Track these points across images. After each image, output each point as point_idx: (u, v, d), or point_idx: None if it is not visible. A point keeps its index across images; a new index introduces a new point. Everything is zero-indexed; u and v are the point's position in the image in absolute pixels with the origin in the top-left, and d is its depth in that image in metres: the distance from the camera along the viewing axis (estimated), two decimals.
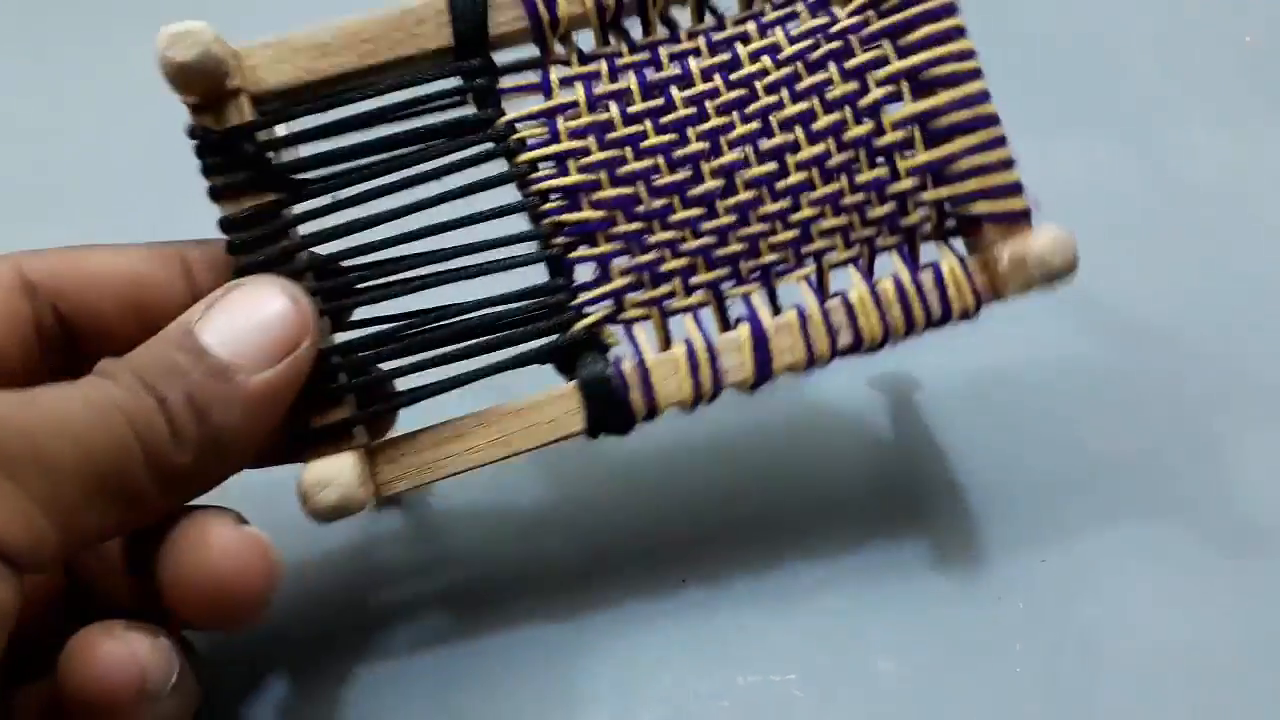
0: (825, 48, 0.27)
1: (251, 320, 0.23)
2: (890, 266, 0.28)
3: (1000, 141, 0.27)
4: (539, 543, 0.32)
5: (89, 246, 0.26)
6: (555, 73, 0.27)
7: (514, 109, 0.27)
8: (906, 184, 0.28)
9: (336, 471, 0.24)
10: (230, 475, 0.24)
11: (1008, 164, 0.27)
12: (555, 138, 0.27)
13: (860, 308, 0.27)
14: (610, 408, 0.26)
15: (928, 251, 0.28)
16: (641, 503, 0.33)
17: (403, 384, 0.27)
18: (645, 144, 0.27)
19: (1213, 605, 0.30)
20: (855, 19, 0.27)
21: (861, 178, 0.27)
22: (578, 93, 0.27)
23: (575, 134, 0.27)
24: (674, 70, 0.27)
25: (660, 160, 0.27)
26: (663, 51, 0.28)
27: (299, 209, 0.26)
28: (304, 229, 0.26)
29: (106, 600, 0.25)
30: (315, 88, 0.26)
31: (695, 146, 0.27)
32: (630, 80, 0.27)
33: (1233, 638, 0.29)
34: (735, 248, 0.27)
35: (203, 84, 0.24)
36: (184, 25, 0.24)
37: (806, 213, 0.27)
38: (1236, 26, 0.53)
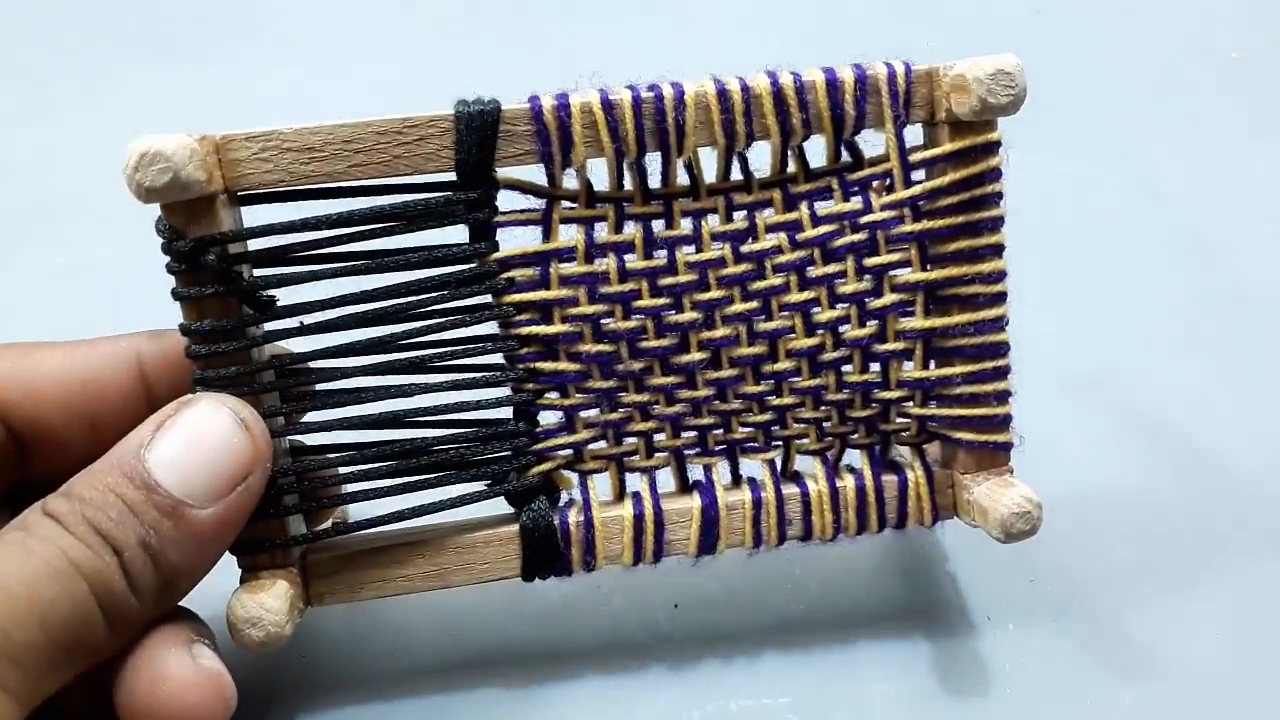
0: (848, 238, 0.26)
1: (202, 449, 0.23)
2: (857, 457, 0.28)
3: (1002, 373, 0.26)
4: None
5: (37, 346, 0.25)
6: (559, 210, 0.25)
7: (509, 235, 0.25)
8: (895, 394, 0.27)
9: (265, 611, 0.24)
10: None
11: (1003, 397, 0.26)
12: (545, 284, 0.25)
13: (816, 504, 0.27)
14: (549, 559, 0.26)
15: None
16: None
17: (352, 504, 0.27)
18: (637, 304, 0.26)
19: (1203, 625, 0.30)
20: (889, 214, 0.25)
21: (851, 378, 0.26)
22: (578, 238, 0.25)
23: (567, 282, 0.25)
24: (684, 229, 0.26)
25: (649, 323, 0.26)
26: (677, 205, 0.25)
27: (267, 326, 0.24)
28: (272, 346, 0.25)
29: (65, 713, 0.25)
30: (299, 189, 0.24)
31: (688, 316, 0.26)
32: (636, 233, 0.25)
33: (1225, 654, 0.30)
34: (707, 420, 0.27)
35: (173, 197, 0.23)
36: (156, 145, 0.22)
37: (787, 400, 0.27)
38: (1224, 42, 0.52)
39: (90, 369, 0.25)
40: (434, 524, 0.27)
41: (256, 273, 0.24)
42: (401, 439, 0.26)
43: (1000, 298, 0.26)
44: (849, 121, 0.25)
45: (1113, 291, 0.41)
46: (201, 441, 0.23)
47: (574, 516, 0.26)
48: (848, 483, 0.27)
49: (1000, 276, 0.26)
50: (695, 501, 0.27)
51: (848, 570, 0.31)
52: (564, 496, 0.27)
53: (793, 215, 0.26)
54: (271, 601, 0.24)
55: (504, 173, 0.25)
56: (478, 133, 0.24)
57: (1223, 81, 0.49)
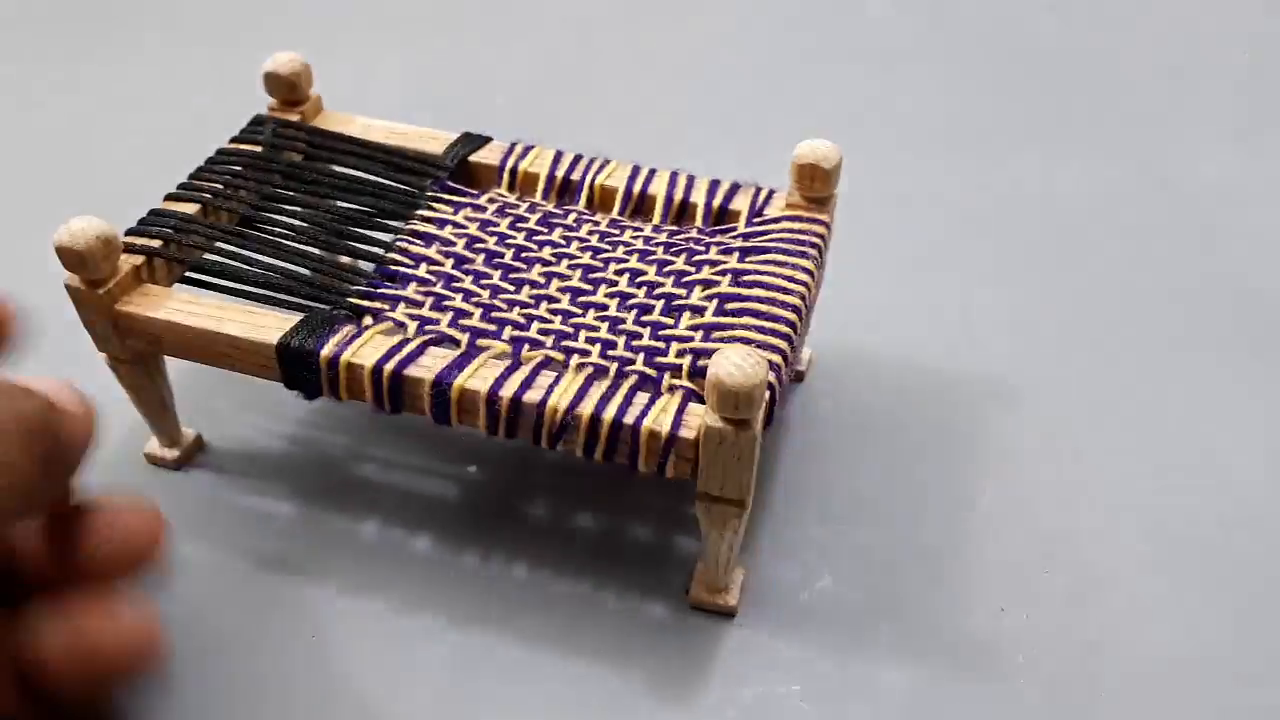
0: (681, 242, 0.31)
1: None
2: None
3: (782, 334, 0.28)
4: (543, 555, 0.32)
5: None
6: (487, 196, 0.33)
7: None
8: (683, 330, 0.28)
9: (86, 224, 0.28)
10: None
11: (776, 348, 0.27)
12: (455, 211, 0.32)
13: (560, 389, 0.26)
14: (301, 373, 0.28)
15: None
16: (644, 516, 0.33)
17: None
18: (507, 243, 0.31)
19: (1214, 617, 0.30)
20: (720, 239, 0.31)
21: (649, 317, 0.29)
22: (490, 206, 0.33)
23: (468, 219, 0.32)
24: (570, 221, 0.32)
25: (507, 254, 0.31)
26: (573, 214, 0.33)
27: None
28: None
29: None
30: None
31: (541, 254, 0.31)
32: (534, 215, 0.32)
33: (1233, 649, 0.29)
34: (513, 316, 0.29)
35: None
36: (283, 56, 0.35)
37: (588, 319, 0.29)
38: (1236, 43, 0.52)
39: None
40: None
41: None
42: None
43: (790, 290, 0.29)
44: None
45: (1127, 289, 0.40)
46: None
47: (332, 345, 0.28)
48: (597, 386, 0.27)
49: (793, 279, 0.29)
50: (432, 371, 0.27)
51: (862, 558, 0.31)
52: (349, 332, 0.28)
53: (647, 234, 0.32)
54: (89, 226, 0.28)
55: None
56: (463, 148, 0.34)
57: (1237, 81, 0.48)
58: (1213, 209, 0.44)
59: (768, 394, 0.26)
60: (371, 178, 0.33)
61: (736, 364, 0.24)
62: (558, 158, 0.34)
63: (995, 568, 0.31)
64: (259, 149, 0.34)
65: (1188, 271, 0.41)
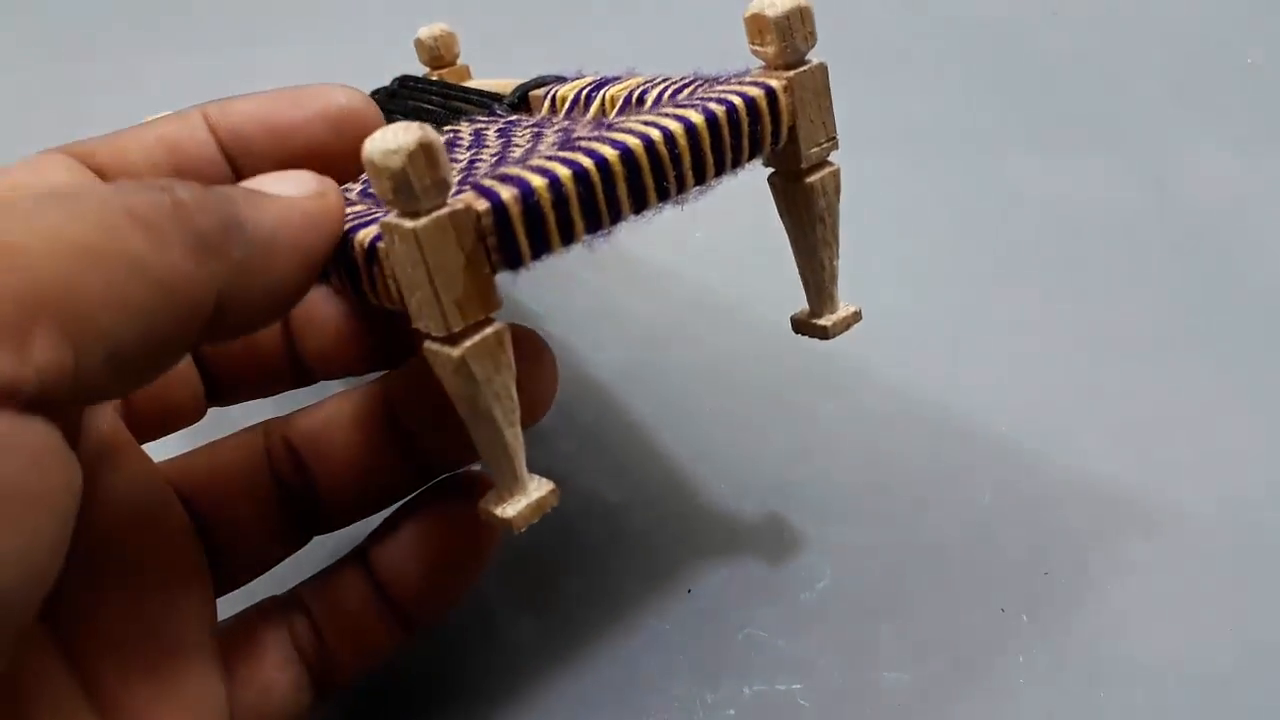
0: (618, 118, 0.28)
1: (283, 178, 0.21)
2: None
3: None
4: (544, 552, 0.32)
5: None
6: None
7: None
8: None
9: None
10: (270, 322, 0.20)
11: None
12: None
13: None
14: None
15: None
16: (646, 513, 0.33)
17: None
18: None
19: (1214, 617, 0.30)
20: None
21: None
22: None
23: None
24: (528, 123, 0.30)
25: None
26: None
27: None
28: None
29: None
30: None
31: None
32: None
33: (1234, 650, 0.29)
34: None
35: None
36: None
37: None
38: (1238, 48, 0.53)
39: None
40: None
41: None
42: None
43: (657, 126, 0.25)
44: None
45: (1127, 290, 0.40)
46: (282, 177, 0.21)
47: None
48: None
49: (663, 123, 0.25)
50: None
51: (863, 558, 0.31)
52: None
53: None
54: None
55: None
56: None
57: (1238, 85, 0.48)
58: (1211, 213, 0.44)
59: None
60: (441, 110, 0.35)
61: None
62: (593, 81, 0.31)
63: (995, 568, 0.31)
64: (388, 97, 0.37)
65: (1189, 273, 0.41)
